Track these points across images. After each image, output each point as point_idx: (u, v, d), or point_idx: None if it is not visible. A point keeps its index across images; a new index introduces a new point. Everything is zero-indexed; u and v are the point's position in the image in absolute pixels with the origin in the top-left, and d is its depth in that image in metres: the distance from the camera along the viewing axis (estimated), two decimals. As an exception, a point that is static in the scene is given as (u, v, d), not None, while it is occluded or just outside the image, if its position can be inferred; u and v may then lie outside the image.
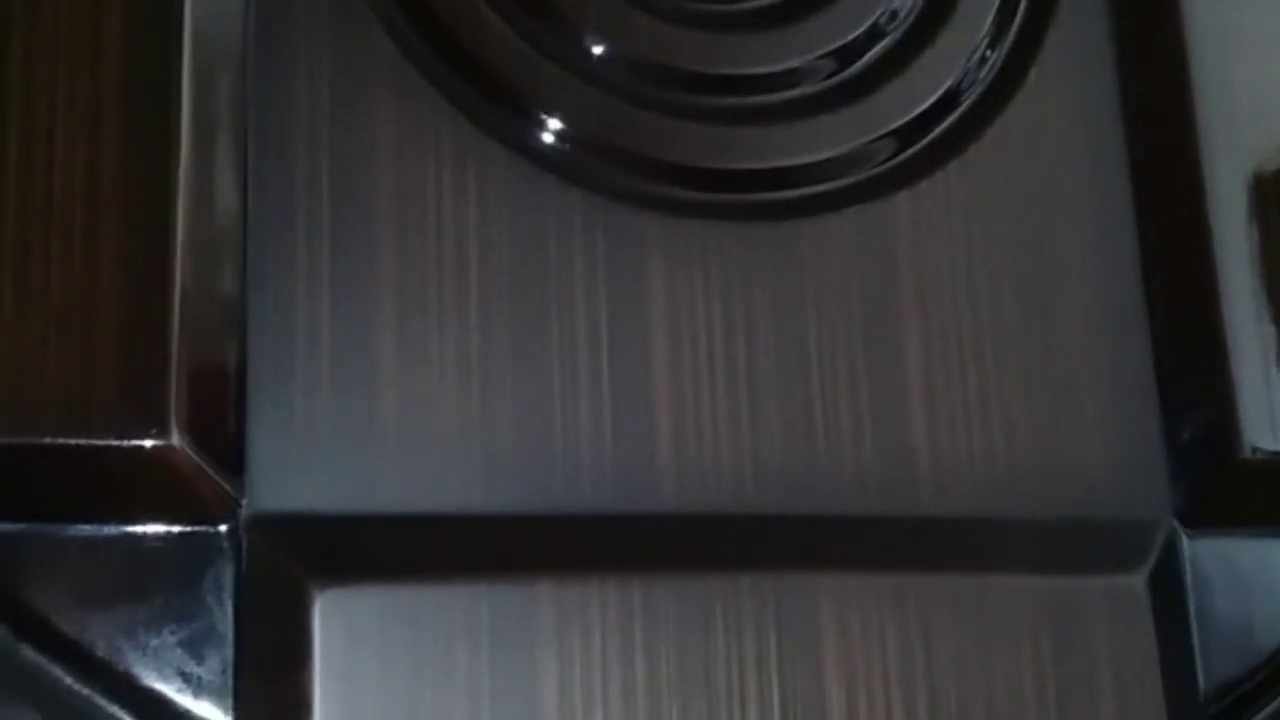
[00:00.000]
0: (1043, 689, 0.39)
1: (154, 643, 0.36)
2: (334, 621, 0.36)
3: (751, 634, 0.38)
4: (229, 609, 0.37)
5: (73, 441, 0.35)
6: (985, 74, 0.44)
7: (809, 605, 0.38)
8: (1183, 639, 0.40)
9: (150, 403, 0.35)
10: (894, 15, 0.43)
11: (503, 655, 0.37)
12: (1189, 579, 0.41)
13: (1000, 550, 0.40)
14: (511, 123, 0.41)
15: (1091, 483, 0.41)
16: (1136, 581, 0.40)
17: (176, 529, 0.37)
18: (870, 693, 0.38)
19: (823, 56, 0.43)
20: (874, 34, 0.43)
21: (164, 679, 0.36)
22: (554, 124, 0.41)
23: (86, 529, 0.37)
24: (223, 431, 0.37)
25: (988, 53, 0.44)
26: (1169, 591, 0.41)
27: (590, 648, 0.37)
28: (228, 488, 0.37)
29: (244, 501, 0.37)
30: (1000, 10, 0.44)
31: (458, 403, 0.38)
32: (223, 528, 0.37)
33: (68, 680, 0.36)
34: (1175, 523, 0.41)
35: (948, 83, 0.43)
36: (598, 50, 0.42)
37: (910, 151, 0.43)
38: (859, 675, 0.38)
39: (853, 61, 0.43)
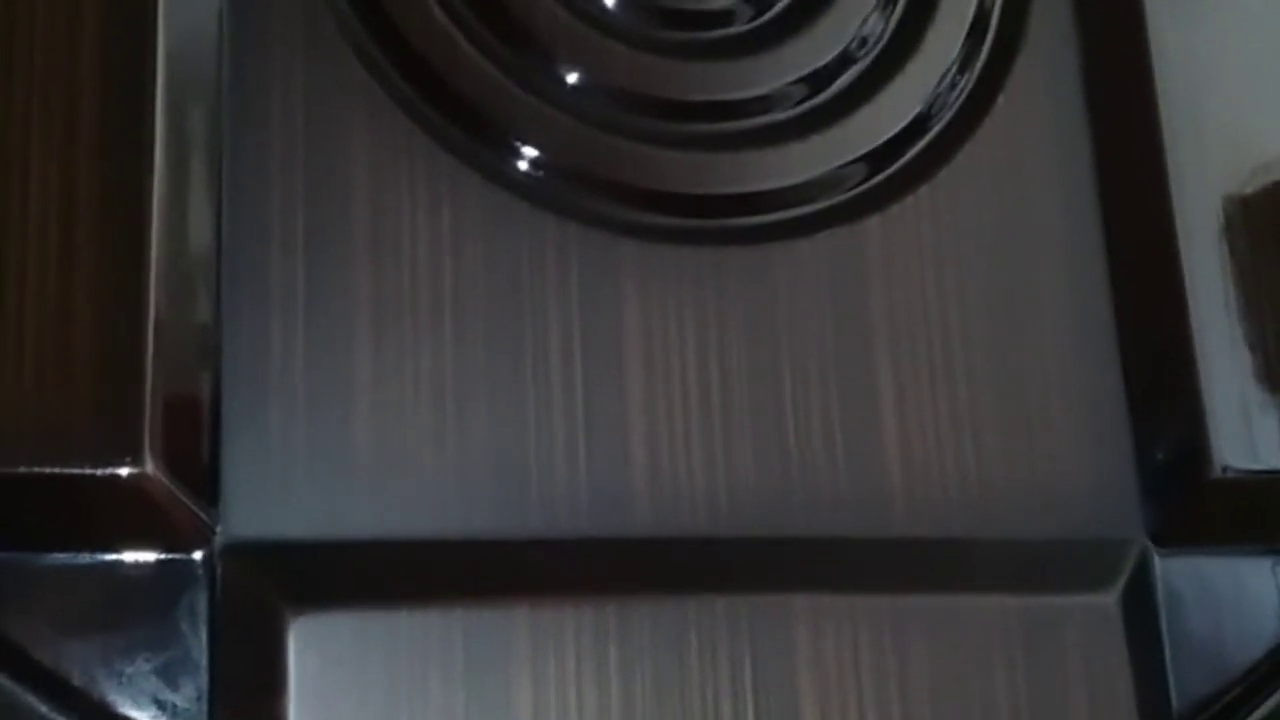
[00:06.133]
0: (1016, 708, 0.39)
1: (129, 670, 0.36)
2: (309, 648, 0.36)
3: (726, 656, 0.38)
4: (204, 636, 0.37)
5: (48, 470, 0.35)
6: (955, 99, 0.44)
7: (783, 627, 0.38)
8: (1155, 657, 0.41)
9: (125, 431, 0.35)
10: (864, 42, 0.44)
11: (478, 679, 0.37)
12: (1161, 597, 0.41)
13: (973, 570, 0.40)
14: (486, 150, 0.41)
15: (1063, 502, 0.41)
16: (1109, 600, 0.40)
17: (151, 557, 0.37)
18: (844, 713, 0.38)
19: (794, 82, 0.43)
20: (845, 60, 0.44)
21: (139, 707, 0.36)
22: (528, 151, 0.41)
23: (61, 557, 0.37)
24: (197, 459, 0.37)
25: (957, 78, 0.44)
26: (1141, 610, 0.41)
27: (565, 671, 0.37)
28: (202, 515, 0.37)
29: (218, 529, 0.37)
30: (970, 36, 0.44)
31: (432, 428, 0.38)
32: (197, 555, 0.37)
33: (43, 709, 0.36)
34: (1147, 541, 0.41)
35: (918, 108, 0.43)
36: (571, 78, 0.42)
37: (881, 176, 0.43)
38: (833, 696, 0.38)
39: (824, 87, 0.43)
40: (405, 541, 0.38)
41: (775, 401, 0.40)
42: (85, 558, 0.37)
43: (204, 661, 0.36)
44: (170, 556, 0.37)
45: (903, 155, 0.43)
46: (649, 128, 0.42)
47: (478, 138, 0.41)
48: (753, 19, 0.44)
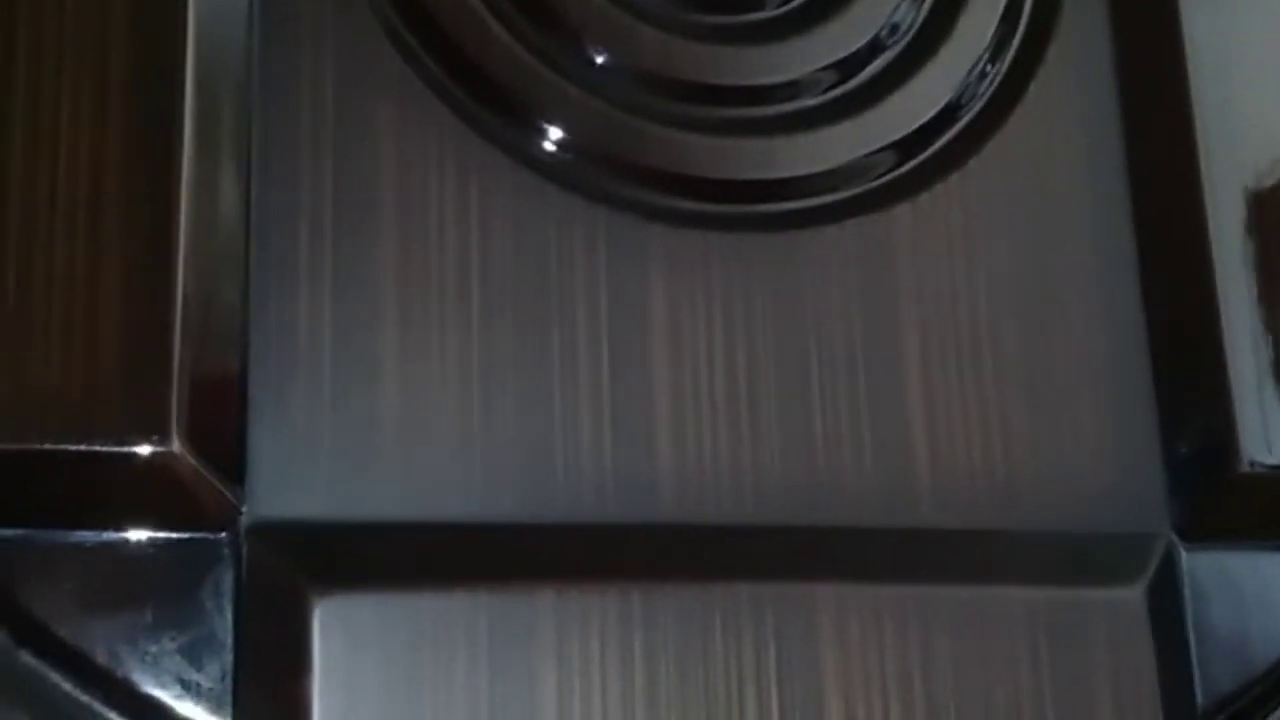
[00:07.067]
0: (1040, 701, 0.39)
1: (153, 649, 0.36)
2: (334, 629, 0.36)
3: (750, 644, 0.38)
4: (228, 616, 0.37)
5: (73, 448, 0.35)
6: (986, 88, 0.44)
7: (808, 616, 0.38)
8: (1180, 652, 0.41)
9: (151, 409, 0.35)
10: (895, 29, 0.44)
11: (502, 664, 0.37)
12: (1187, 592, 0.41)
13: (999, 562, 0.40)
14: (514, 132, 0.41)
15: (1090, 496, 0.41)
16: (1134, 594, 0.40)
17: (176, 536, 0.37)
18: (869, 703, 0.38)
19: (824, 68, 0.43)
20: (875, 47, 0.43)
21: (163, 686, 0.36)
22: (556, 133, 0.41)
23: (86, 535, 0.37)
24: (223, 438, 0.37)
25: (988, 67, 0.44)
26: (1167, 605, 0.41)
27: (589, 657, 0.37)
28: (228, 494, 0.37)
29: (244, 508, 0.37)
30: (1001, 25, 0.44)
31: (459, 411, 0.38)
32: (223, 534, 0.37)
33: (66, 686, 0.36)
34: (1173, 536, 0.41)
35: (948, 96, 0.43)
36: (600, 60, 0.42)
37: (911, 164, 0.43)
38: (857, 686, 0.38)
39: (854, 74, 0.43)
40: (431, 524, 0.38)
41: (802, 389, 0.40)
42: (110, 535, 0.37)
43: (229, 641, 0.36)
44: (195, 535, 0.37)
45: (933, 143, 0.43)
46: (677, 111, 0.42)
47: (507, 119, 0.41)
48: (783, 3, 0.43)
